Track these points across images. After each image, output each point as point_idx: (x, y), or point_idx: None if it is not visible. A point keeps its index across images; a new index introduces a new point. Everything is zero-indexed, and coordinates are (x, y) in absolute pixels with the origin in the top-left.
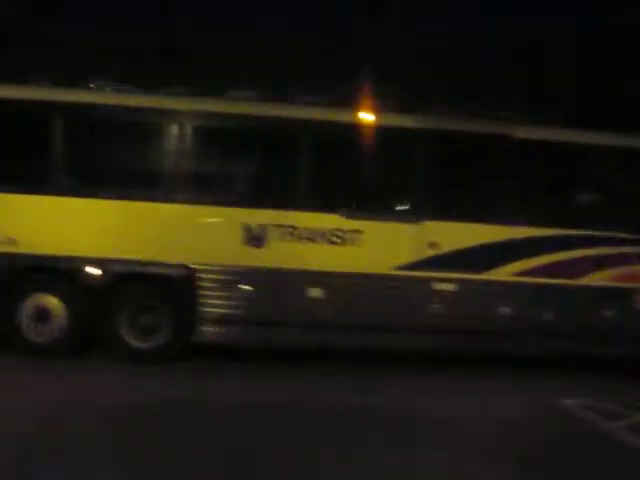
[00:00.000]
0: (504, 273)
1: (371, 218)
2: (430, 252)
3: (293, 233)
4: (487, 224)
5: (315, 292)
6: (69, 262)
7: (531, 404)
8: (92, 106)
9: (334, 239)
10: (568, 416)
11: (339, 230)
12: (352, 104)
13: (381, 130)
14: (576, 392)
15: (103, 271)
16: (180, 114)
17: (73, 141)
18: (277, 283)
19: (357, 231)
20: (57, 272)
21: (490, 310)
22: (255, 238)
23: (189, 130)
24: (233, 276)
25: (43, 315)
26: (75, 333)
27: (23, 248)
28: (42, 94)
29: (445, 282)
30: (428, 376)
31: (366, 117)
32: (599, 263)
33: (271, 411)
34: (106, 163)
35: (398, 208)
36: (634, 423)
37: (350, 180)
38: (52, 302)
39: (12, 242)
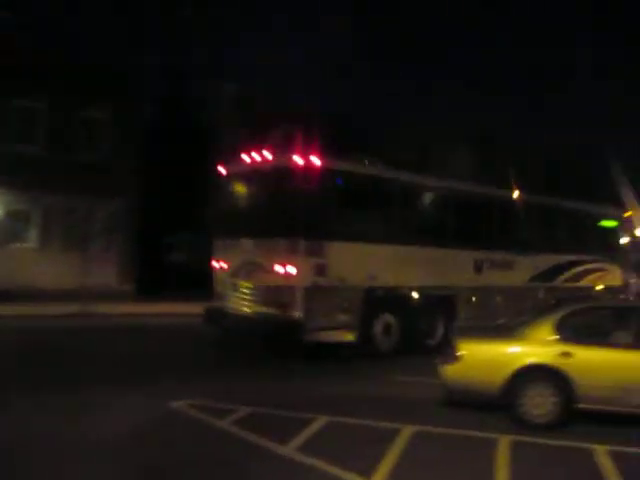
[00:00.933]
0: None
1: (517, 254)
2: (536, 272)
3: (492, 264)
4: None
5: (498, 299)
6: (401, 290)
7: (140, 408)
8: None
9: (504, 266)
10: (178, 417)
11: (507, 261)
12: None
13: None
14: (183, 394)
15: (418, 295)
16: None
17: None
18: (486, 295)
19: (511, 262)
20: (395, 298)
21: None
22: (478, 267)
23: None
24: (470, 292)
25: (387, 329)
26: (402, 341)
27: (378, 282)
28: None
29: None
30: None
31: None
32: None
33: None
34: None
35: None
36: (240, 417)
37: (518, 234)
38: (391, 319)
39: (373, 278)
